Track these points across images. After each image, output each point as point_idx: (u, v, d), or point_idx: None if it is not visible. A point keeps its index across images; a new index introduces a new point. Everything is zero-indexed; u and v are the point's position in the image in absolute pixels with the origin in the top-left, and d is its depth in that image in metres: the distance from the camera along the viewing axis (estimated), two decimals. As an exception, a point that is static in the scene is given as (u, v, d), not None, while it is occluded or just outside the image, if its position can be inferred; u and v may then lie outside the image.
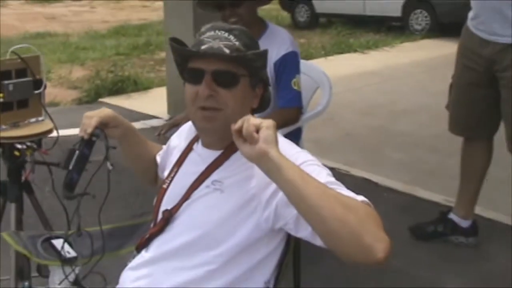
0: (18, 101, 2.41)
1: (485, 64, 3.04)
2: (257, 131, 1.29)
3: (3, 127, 2.36)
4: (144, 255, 1.63)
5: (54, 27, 12.52)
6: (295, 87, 2.84)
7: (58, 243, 1.83)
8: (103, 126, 1.63)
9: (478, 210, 3.50)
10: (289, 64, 2.86)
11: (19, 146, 2.36)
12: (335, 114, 5.26)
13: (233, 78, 1.48)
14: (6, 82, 2.33)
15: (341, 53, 9.18)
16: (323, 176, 1.40)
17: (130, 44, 10.00)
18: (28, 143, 2.37)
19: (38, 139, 2.43)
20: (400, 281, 2.96)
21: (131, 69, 7.53)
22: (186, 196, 1.56)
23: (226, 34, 1.51)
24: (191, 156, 1.65)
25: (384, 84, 7.22)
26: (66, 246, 1.81)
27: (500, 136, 3.23)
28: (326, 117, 4.49)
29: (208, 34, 1.53)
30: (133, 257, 1.70)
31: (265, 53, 1.52)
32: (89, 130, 1.60)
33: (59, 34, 11.87)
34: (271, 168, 1.29)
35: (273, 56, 2.85)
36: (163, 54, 9.42)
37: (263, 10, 2.78)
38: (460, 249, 3.31)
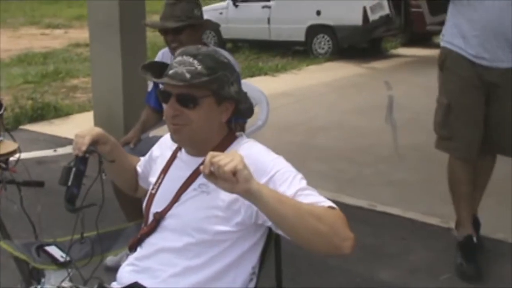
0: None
1: (488, 86, 3.12)
2: (234, 173, 1.45)
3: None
4: (139, 251, 1.81)
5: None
6: (240, 104, 3.09)
7: (51, 249, 1.96)
8: (94, 143, 1.79)
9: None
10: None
11: (-13, 165, 2.45)
12: (256, 133, 5.53)
13: (194, 100, 1.68)
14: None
15: (252, 76, 9.55)
16: (297, 182, 1.65)
17: (38, 72, 9.84)
18: (-3, 163, 2.47)
19: (5, 159, 2.53)
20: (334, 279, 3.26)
21: (48, 96, 7.50)
22: (175, 199, 1.75)
23: (191, 59, 1.68)
24: (176, 163, 1.84)
25: (298, 104, 7.65)
26: (60, 252, 1.95)
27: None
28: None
29: (177, 59, 1.73)
30: (127, 256, 1.88)
31: (218, 78, 1.67)
32: (84, 148, 1.76)
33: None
34: (253, 198, 1.50)
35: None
36: (74, 81, 9.43)
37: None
38: (387, 245, 3.66)
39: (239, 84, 1.77)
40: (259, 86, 6.93)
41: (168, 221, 1.76)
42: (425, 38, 13.13)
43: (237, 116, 1.81)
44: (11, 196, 2.46)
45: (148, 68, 1.79)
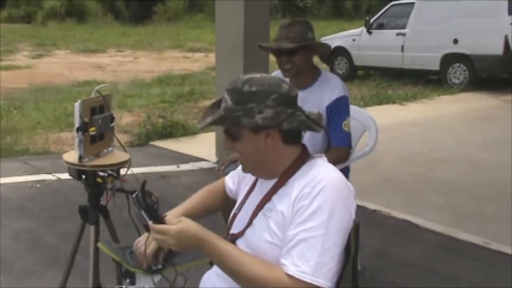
0: (100, 134, 2.73)
1: None
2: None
3: (90, 157, 2.68)
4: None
5: (101, 76, 13.10)
6: (346, 129, 3.11)
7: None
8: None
9: None
10: (340, 108, 3.14)
11: (101, 173, 2.66)
12: (376, 160, 5.48)
13: (233, 134, 1.75)
14: (96, 117, 2.65)
15: (380, 104, 9.44)
16: (308, 228, 1.62)
17: (174, 92, 10.41)
18: (109, 171, 2.67)
19: (117, 168, 2.74)
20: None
21: (178, 116, 7.91)
22: (249, 222, 1.81)
23: (226, 94, 1.75)
24: (257, 186, 1.90)
25: (423, 134, 7.44)
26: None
27: None
28: (367, 164, 4.75)
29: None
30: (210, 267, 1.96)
31: (241, 109, 1.69)
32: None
33: (105, 82, 12.42)
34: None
35: (326, 99, 3.13)
36: (206, 103, 9.85)
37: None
38: (496, 285, 3.45)
39: (278, 106, 1.72)
40: (385, 114, 6.91)
41: (240, 242, 1.83)
42: None
43: (288, 137, 1.75)
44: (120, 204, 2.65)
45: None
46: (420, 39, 11.66)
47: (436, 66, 11.52)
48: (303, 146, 1.82)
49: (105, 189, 2.72)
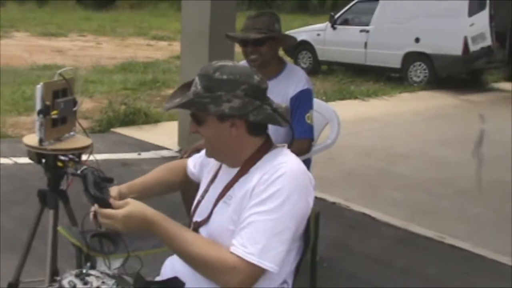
0: (61, 118, 2.70)
1: None
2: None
3: (51, 141, 2.64)
4: None
5: (61, 60, 12.86)
6: (308, 121, 3.14)
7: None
8: None
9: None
10: (304, 100, 3.17)
11: (62, 158, 2.63)
12: (336, 154, 5.54)
13: (199, 119, 1.76)
14: (58, 100, 2.62)
15: (342, 99, 9.54)
16: (262, 211, 1.64)
17: (137, 80, 10.30)
18: (71, 156, 2.64)
19: (78, 153, 2.71)
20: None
21: (141, 103, 7.84)
22: (211, 211, 1.83)
23: (197, 78, 1.77)
24: (220, 174, 1.90)
25: (383, 130, 7.56)
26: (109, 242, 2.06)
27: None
28: (327, 157, 4.81)
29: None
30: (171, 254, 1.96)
31: (209, 96, 1.70)
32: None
33: (67, 66, 12.18)
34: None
35: (290, 91, 3.16)
36: (169, 91, 9.79)
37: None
38: (450, 278, 3.55)
39: (247, 97, 1.73)
40: (346, 109, 7.00)
41: (202, 230, 1.84)
42: (530, 74, 12.64)
43: (253, 128, 1.76)
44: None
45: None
46: (383, 37, 11.82)
47: (397, 64, 11.69)
48: (267, 135, 1.83)
49: (66, 173, 2.70)
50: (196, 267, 1.68)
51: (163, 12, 26.88)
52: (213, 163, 1.98)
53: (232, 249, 1.64)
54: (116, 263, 2.00)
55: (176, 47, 16.40)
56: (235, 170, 1.81)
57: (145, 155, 5.79)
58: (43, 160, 2.70)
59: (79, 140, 2.86)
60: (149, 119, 7.08)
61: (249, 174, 1.76)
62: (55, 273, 2.79)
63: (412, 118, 8.50)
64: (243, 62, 3.39)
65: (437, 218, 4.53)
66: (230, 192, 1.78)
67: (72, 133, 2.87)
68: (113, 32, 19.46)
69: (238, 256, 1.62)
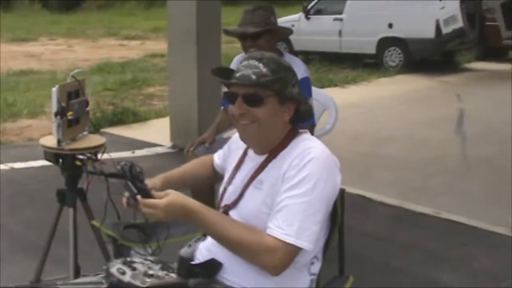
0: (76, 118, 2.79)
1: None
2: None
3: (67, 141, 2.73)
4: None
5: (37, 65, 12.78)
6: (309, 108, 3.26)
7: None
8: None
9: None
10: (303, 88, 3.19)
11: (81, 157, 2.71)
12: (325, 141, 5.62)
13: (259, 99, 1.84)
14: (72, 101, 2.70)
15: (322, 87, 9.63)
16: (295, 194, 1.75)
17: (116, 80, 10.28)
18: (88, 154, 2.73)
19: (95, 151, 2.80)
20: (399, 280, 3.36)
21: (128, 103, 7.90)
22: (240, 195, 1.93)
23: (256, 63, 1.85)
24: (246, 160, 2.01)
25: (367, 115, 7.75)
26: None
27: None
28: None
29: (244, 63, 1.90)
30: (202, 240, 2.07)
31: (281, 78, 1.83)
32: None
33: (43, 71, 12.12)
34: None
35: (290, 81, 3.28)
36: (151, 89, 9.85)
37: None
38: (450, 250, 3.72)
39: (299, 87, 1.89)
40: (328, 96, 6.90)
41: (232, 213, 1.94)
42: (500, 53, 12.92)
43: (297, 117, 1.91)
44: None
45: (217, 72, 1.98)
46: (356, 24, 11.99)
47: (372, 50, 11.89)
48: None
49: (84, 172, 2.78)
50: (236, 250, 1.79)
51: (131, 11, 26.77)
52: (235, 153, 2.08)
53: (269, 231, 1.75)
54: (148, 251, 2.11)
55: (149, 46, 16.44)
56: (262, 157, 1.91)
57: (139, 153, 5.86)
58: (60, 160, 2.78)
59: (93, 139, 2.95)
60: (137, 117, 7.14)
61: (278, 159, 1.86)
62: (77, 270, 2.89)
63: (392, 101, 8.70)
64: (240, 56, 3.51)
65: (429, 195, 4.70)
66: (260, 177, 1.88)
67: (85, 132, 2.97)
68: (83, 34, 19.34)
69: (275, 238, 1.73)
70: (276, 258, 1.73)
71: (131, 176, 1.82)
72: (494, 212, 4.27)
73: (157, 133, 6.42)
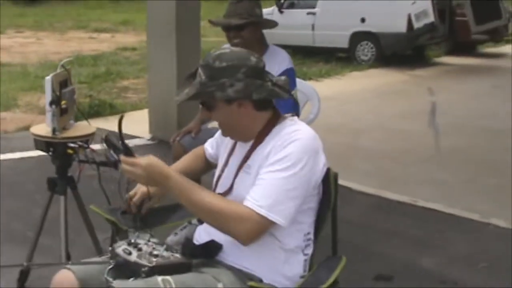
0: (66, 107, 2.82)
1: None
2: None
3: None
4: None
5: (6, 58, 12.57)
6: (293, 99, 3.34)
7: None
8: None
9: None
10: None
11: (72, 145, 2.75)
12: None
13: (210, 106, 1.95)
14: (64, 90, 2.74)
15: (297, 80, 9.81)
16: (275, 169, 1.83)
17: (89, 73, 10.21)
18: (80, 143, 2.77)
19: (86, 140, 2.84)
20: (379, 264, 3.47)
21: (104, 96, 7.87)
22: (233, 182, 1.99)
23: (201, 70, 1.93)
24: (237, 148, 2.08)
25: (343, 107, 7.88)
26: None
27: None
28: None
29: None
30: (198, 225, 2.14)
31: (216, 85, 1.86)
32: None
33: (13, 64, 11.96)
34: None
35: (274, 71, 3.31)
36: (125, 82, 9.82)
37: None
38: (428, 236, 3.85)
39: (252, 77, 1.88)
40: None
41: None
42: (469, 47, 13.19)
43: (260, 104, 1.93)
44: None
45: (185, 81, 2.03)
46: (329, 18, 12.10)
47: (345, 44, 12.02)
48: (274, 108, 2.00)
49: (74, 160, 2.82)
50: (210, 218, 1.86)
51: (98, 4, 26.38)
52: (228, 140, 2.14)
53: (244, 202, 1.82)
54: (146, 236, 2.16)
55: (119, 38, 16.31)
56: (250, 143, 1.98)
57: (118, 145, 5.86)
58: (51, 149, 2.81)
59: (83, 127, 3.00)
60: (114, 110, 7.13)
61: (264, 143, 1.93)
62: (68, 257, 2.93)
63: (367, 95, 8.85)
64: (227, 46, 3.56)
65: (406, 184, 4.84)
66: (249, 162, 1.96)
67: (71, 121, 3.00)
68: (51, 26, 19.04)
69: (249, 208, 1.80)
70: (246, 227, 1.80)
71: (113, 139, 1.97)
72: (468, 200, 4.42)
73: (135, 125, 6.40)
